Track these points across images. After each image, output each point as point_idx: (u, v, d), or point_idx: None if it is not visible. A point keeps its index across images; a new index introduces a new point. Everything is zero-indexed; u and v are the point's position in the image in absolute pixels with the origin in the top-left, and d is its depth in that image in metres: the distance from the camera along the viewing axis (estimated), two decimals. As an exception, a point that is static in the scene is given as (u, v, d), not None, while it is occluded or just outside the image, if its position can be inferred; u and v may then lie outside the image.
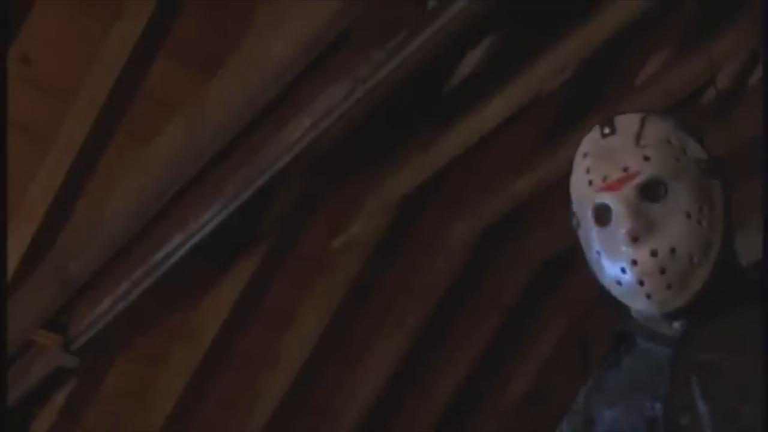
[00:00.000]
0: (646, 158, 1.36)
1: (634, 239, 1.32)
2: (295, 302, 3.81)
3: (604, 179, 1.37)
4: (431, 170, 3.42)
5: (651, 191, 1.35)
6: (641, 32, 3.37)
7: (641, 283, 1.33)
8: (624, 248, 1.33)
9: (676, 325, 1.37)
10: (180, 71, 2.94)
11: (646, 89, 3.41)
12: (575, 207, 1.45)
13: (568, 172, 1.48)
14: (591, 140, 1.43)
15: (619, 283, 1.36)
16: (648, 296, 1.34)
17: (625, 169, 1.35)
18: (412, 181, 3.46)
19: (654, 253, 1.32)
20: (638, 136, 1.38)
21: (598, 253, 1.39)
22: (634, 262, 1.33)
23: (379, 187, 3.50)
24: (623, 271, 1.34)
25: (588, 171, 1.40)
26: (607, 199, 1.36)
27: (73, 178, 2.81)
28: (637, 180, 1.35)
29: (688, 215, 1.34)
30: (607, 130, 1.41)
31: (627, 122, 1.40)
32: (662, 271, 1.32)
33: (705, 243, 1.34)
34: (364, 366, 4.13)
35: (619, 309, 1.44)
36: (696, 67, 3.11)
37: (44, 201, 2.84)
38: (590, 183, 1.39)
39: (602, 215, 1.37)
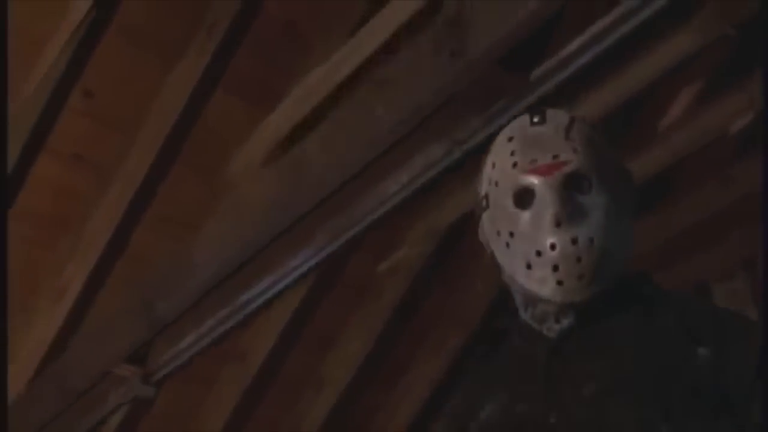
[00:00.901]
0: (575, 150, 1.37)
1: (558, 224, 1.33)
2: (340, 326, 3.90)
3: (532, 163, 1.37)
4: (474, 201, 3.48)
5: (577, 182, 1.36)
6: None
7: (555, 268, 1.33)
8: (544, 232, 1.34)
9: (564, 322, 1.37)
10: (237, 104, 3.03)
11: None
12: (488, 189, 1.44)
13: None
14: (518, 126, 1.44)
15: (529, 266, 1.35)
16: (559, 283, 1.33)
17: (555, 157, 1.37)
18: (456, 211, 3.54)
19: (574, 241, 1.33)
20: (568, 130, 1.39)
21: (512, 234, 1.38)
22: (553, 246, 1.33)
23: (426, 216, 3.58)
24: (538, 254, 1.34)
25: (513, 154, 1.40)
26: (534, 181, 1.36)
27: (136, 209, 2.90)
28: (567, 168, 1.36)
29: (608, 211, 1.36)
30: (536, 119, 1.42)
31: (556, 115, 1.42)
32: (578, 260, 1.33)
33: (620, 240, 1.37)
34: (405, 388, 4.20)
35: (505, 304, 1.45)
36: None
37: (107, 231, 2.93)
38: (515, 165, 1.39)
39: (524, 198, 1.37)
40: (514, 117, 1.49)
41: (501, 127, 1.50)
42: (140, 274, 3.17)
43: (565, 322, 1.37)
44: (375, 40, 2.57)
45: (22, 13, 2.68)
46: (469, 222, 3.78)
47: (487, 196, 1.44)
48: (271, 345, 3.55)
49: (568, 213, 1.33)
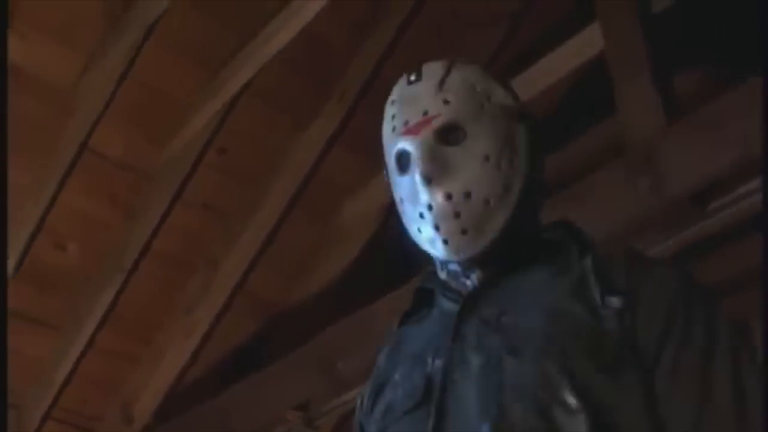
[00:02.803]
0: (446, 102, 1.32)
1: (428, 181, 1.29)
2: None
3: (406, 124, 1.33)
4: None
5: (449, 135, 1.31)
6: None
7: (437, 227, 1.29)
8: (420, 193, 1.30)
9: (472, 278, 1.33)
10: (351, 157, 3.29)
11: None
12: (386, 157, 1.39)
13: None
14: (398, 87, 1.38)
15: (419, 230, 1.32)
16: (445, 242, 1.29)
17: (425, 113, 1.32)
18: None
19: (448, 197, 1.28)
20: (442, 82, 1.34)
21: (401, 200, 1.35)
22: (430, 207, 1.29)
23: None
24: (421, 216, 1.30)
25: (393, 118, 1.35)
26: (406, 143, 1.32)
27: (263, 257, 3.19)
28: (436, 123, 1.31)
29: (486, 158, 1.30)
30: (413, 77, 1.37)
31: (433, 69, 1.37)
32: (456, 215, 1.28)
33: (503, 187, 1.30)
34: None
35: (427, 264, 1.42)
36: None
37: (237, 274, 3.21)
38: (393, 129, 1.35)
39: (402, 162, 1.34)
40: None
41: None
42: (258, 310, 3.47)
43: (473, 277, 1.32)
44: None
45: (171, 80, 2.97)
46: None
47: (386, 165, 1.40)
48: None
49: (438, 169, 1.29)
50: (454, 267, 1.34)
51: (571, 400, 1.13)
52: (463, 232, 1.28)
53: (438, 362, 1.25)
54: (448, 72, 1.36)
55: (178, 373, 3.34)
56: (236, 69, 2.85)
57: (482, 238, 1.29)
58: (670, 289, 1.21)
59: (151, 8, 2.72)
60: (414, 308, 1.40)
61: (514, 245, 1.31)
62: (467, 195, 1.28)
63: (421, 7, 2.98)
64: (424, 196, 1.29)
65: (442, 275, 1.37)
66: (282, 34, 2.72)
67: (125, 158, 3.06)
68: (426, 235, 1.31)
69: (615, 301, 1.20)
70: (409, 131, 1.32)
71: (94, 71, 2.84)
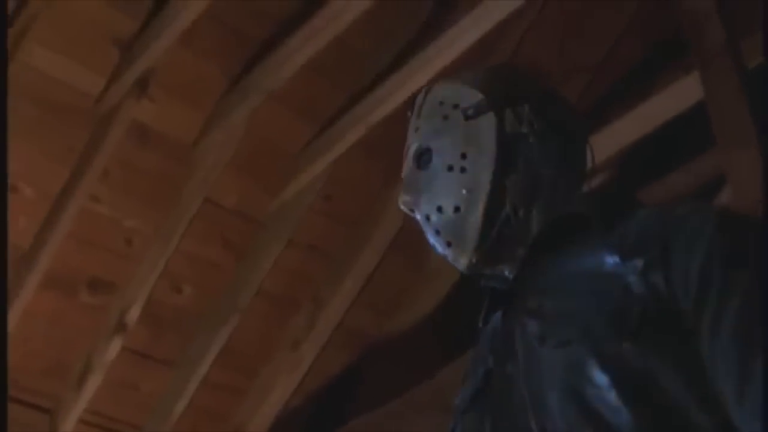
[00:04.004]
0: (417, 129, 1.36)
1: (411, 211, 1.34)
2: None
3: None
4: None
5: (421, 161, 1.33)
6: None
7: (434, 248, 1.34)
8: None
9: (507, 274, 1.32)
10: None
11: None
12: None
13: None
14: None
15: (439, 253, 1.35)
16: (446, 258, 1.33)
17: (407, 147, 1.37)
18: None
19: (427, 218, 1.32)
20: (419, 109, 1.38)
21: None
22: (425, 232, 1.34)
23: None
24: (429, 242, 1.35)
25: None
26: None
27: (366, 295, 3.43)
28: (410, 152, 1.35)
29: (450, 168, 1.31)
30: (410, 113, 1.40)
31: (417, 100, 1.40)
32: (437, 233, 1.31)
33: (469, 189, 1.30)
34: None
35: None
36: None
37: (340, 312, 3.46)
38: None
39: None
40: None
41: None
42: (353, 343, 3.70)
43: (507, 272, 1.32)
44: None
45: (284, 135, 3.22)
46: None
47: None
48: None
49: (415, 196, 1.32)
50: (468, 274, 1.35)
51: (600, 378, 1.09)
52: (449, 245, 1.31)
53: (493, 357, 1.25)
54: (425, 97, 1.38)
55: (284, 404, 3.57)
56: (345, 128, 3.09)
57: (467, 244, 1.29)
58: (705, 244, 1.11)
59: (270, 73, 2.96)
60: (489, 309, 1.36)
61: (544, 239, 1.28)
62: (439, 210, 1.30)
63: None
64: (420, 224, 1.34)
65: (497, 274, 1.35)
66: (391, 99, 2.95)
67: (239, 206, 3.31)
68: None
69: (638, 263, 1.13)
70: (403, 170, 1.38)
71: (216, 130, 3.09)
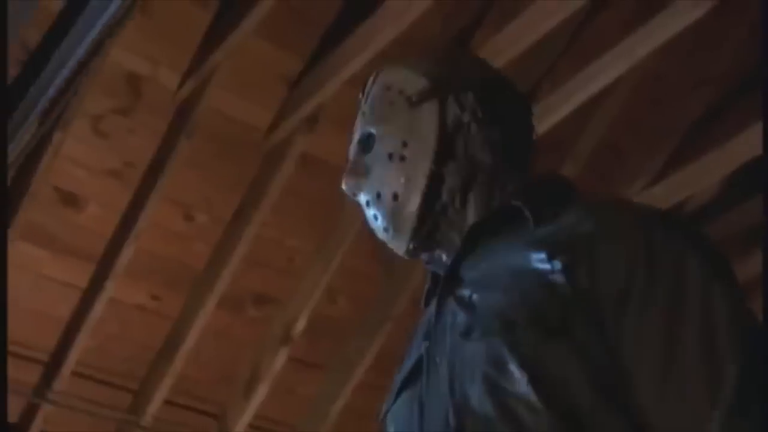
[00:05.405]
0: (363, 114, 1.35)
1: (353, 195, 1.34)
2: None
3: None
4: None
5: (364, 146, 1.33)
6: None
7: (374, 233, 1.34)
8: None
9: (445, 261, 1.30)
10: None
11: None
12: None
13: None
14: None
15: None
16: (384, 241, 1.33)
17: (354, 132, 1.36)
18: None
19: (368, 204, 1.32)
20: (366, 95, 1.37)
21: None
22: (366, 216, 1.34)
23: None
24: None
25: None
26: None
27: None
28: (354, 138, 1.35)
29: (390, 156, 1.30)
30: (360, 95, 1.39)
31: (367, 85, 1.39)
32: (375, 218, 1.31)
33: (407, 177, 1.28)
34: None
35: None
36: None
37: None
38: None
39: None
40: None
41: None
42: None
43: (445, 259, 1.30)
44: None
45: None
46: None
47: None
48: None
49: (356, 181, 1.32)
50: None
51: (517, 373, 1.07)
52: (385, 230, 1.31)
53: (425, 344, 1.22)
54: (373, 82, 1.37)
55: None
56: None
57: (402, 231, 1.29)
58: (633, 243, 1.10)
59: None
60: (429, 293, 1.33)
61: (480, 226, 1.26)
62: (378, 196, 1.30)
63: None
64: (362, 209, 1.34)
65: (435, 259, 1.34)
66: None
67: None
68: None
69: (563, 260, 1.10)
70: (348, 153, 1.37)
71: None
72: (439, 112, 1.30)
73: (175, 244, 3.36)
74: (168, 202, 3.27)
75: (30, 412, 3.48)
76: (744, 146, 3.16)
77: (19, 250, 3.19)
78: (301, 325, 3.52)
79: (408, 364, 1.25)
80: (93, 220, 3.26)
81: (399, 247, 1.31)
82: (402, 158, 1.29)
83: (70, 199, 3.21)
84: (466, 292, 1.18)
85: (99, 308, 3.32)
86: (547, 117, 3.01)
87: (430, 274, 1.33)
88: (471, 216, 1.28)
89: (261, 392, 3.59)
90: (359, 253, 3.55)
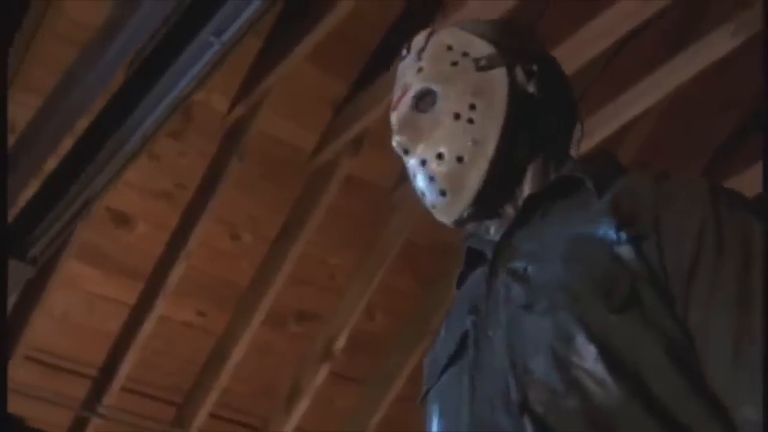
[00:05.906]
0: (420, 70, 1.30)
1: (405, 152, 1.27)
2: None
3: (394, 102, 1.33)
4: None
5: (422, 102, 1.28)
6: None
7: (423, 194, 1.27)
8: (407, 165, 1.29)
9: (495, 232, 1.27)
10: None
11: None
12: None
13: None
14: (396, 67, 1.37)
15: (424, 199, 1.29)
16: (433, 207, 1.27)
17: (403, 87, 1.31)
18: None
19: (423, 163, 1.25)
20: (421, 51, 1.33)
21: (411, 180, 1.31)
22: (415, 176, 1.28)
23: None
24: (418, 188, 1.28)
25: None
26: (392, 120, 1.31)
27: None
28: (409, 93, 1.30)
29: (457, 116, 1.25)
30: (403, 53, 1.36)
31: (417, 41, 1.35)
32: (431, 179, 1.25)
33: (475, 140, 1.24)
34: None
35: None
36: None
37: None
38: (390, 108, 1.34)
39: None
40: None
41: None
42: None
43: (495, 230, 1.27)
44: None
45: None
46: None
47: None
48: None
49: (412, 138, 1.27)
50: (473, 228, 1.30)
51: (587, 349, 1.04)
52: (442, 193, 1.25)
53: (472, 318, 1.18)
54: (427, 40, 1.34)
55: None
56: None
57: (463, 195, 1.25)
58: (699, 212, 1.09)
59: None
60: (467, 268, 1.31)
61: (509, 191, 1.26)
62: (439, 156, 1.25)
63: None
64: (409, 168, 1.29)
65: (474, 232, 1.31)
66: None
67: (432, 243, 3.63)
68: (426, 203, 1.28)
69: (630, 232, 1.09)
70: (393, 107, 1.32)
71: (413, 177, 3.40)
72: (509, 79, 1.28)
73: (221, 263, 3.47)
74: (216, 222, 3.38)
75: (78, 426, 3.59)
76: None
77: (71, 268, 3.30)
78: (341, 341, 3.62)
79: (450, 342, 1.20)
80: (143, 240, 3.37)
81: (452, 212, 1.26)
82: (470, 120, 1.25)
83: (122, 219, 3.32)
84: (520, 265, 1.15)
85: (147, 325, 3.42)
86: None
87: (465, 255, 1.30)
88: (527, 187, 1.27)
89: (302, 406, 3.69)
90: (398, 270, 3.66)
